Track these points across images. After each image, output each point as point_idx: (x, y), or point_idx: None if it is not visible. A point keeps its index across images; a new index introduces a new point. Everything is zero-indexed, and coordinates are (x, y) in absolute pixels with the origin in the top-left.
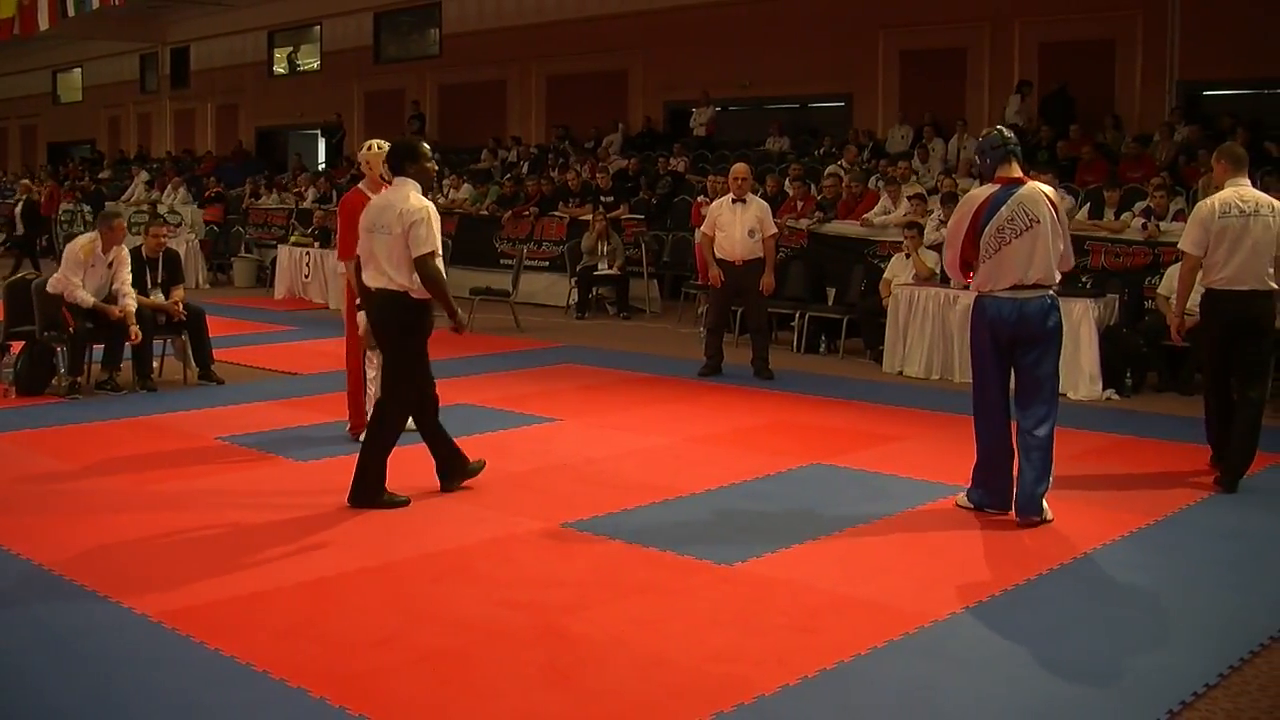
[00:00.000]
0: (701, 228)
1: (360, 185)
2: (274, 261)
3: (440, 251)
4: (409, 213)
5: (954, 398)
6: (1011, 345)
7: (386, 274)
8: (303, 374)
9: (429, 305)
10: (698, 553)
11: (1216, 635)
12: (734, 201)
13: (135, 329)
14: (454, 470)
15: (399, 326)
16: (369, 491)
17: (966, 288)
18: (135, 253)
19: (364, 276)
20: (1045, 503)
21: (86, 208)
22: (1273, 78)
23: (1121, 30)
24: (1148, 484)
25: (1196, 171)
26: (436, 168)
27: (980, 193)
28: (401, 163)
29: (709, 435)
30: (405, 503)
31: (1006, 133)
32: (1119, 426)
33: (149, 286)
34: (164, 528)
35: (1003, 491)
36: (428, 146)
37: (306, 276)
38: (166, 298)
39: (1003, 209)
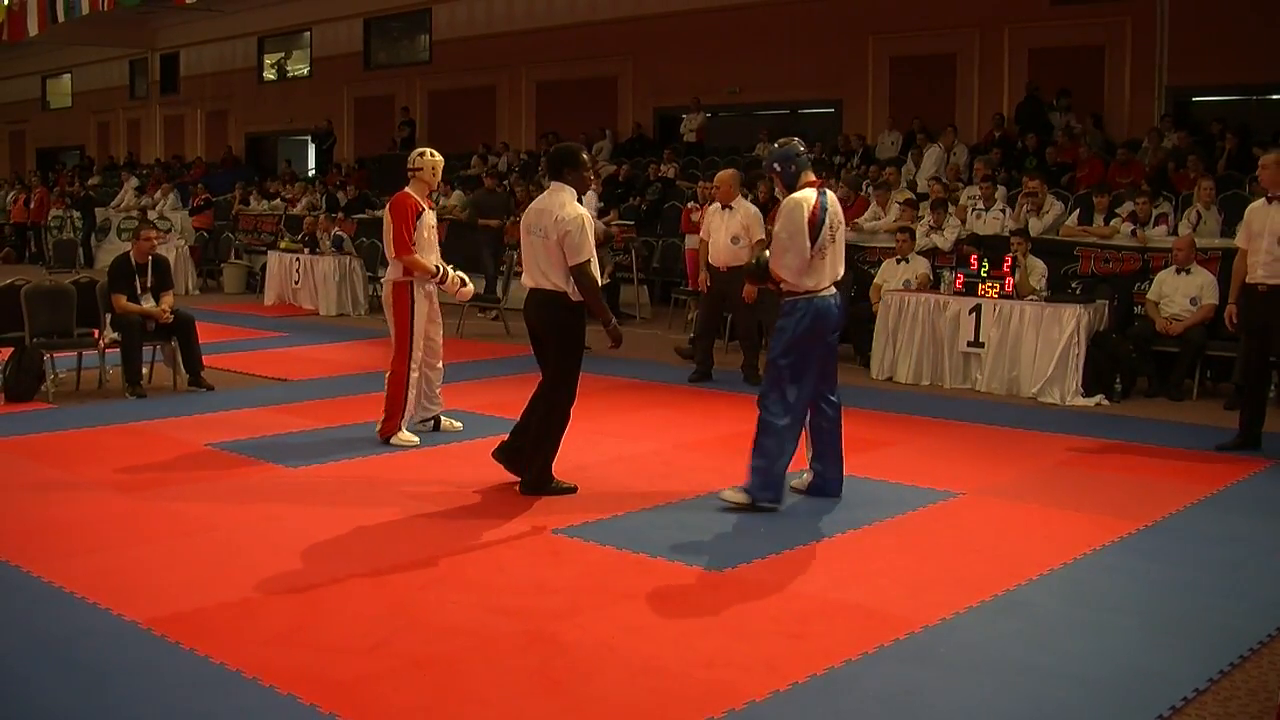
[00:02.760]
0: (700, 234)
1: (409, 189)
2: (264, 267)
3: (595, 258)
4: (564, 221)
5: (943, 403)
6: (830, 340)
7: (544, 275)
8: (292, 380)
9: (583, 309)
10: (688, 559)
11: (1205, 640)
12: (722, 208)
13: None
14: (516, 464)
15: (556, 326)
16: (539, 481)
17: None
18: (124, 258)
19: (523, 277)
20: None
21: (76, 214)
22: (1261, 84)
23: (1111, 36)
24: (1137, 490)
25: (1185, 177)
26: (594, 177)
27: (807, 197)
28: (561, 169)
29: (699, 441)
30: (572, 490)
31: (800, 143)
32: (1108, 432)
33: (138, 292)
34: (153, 534)
35: (783, 487)
36: (587, 156)
37: (296, 282)
38: (156, 303)
39: (829, 210)
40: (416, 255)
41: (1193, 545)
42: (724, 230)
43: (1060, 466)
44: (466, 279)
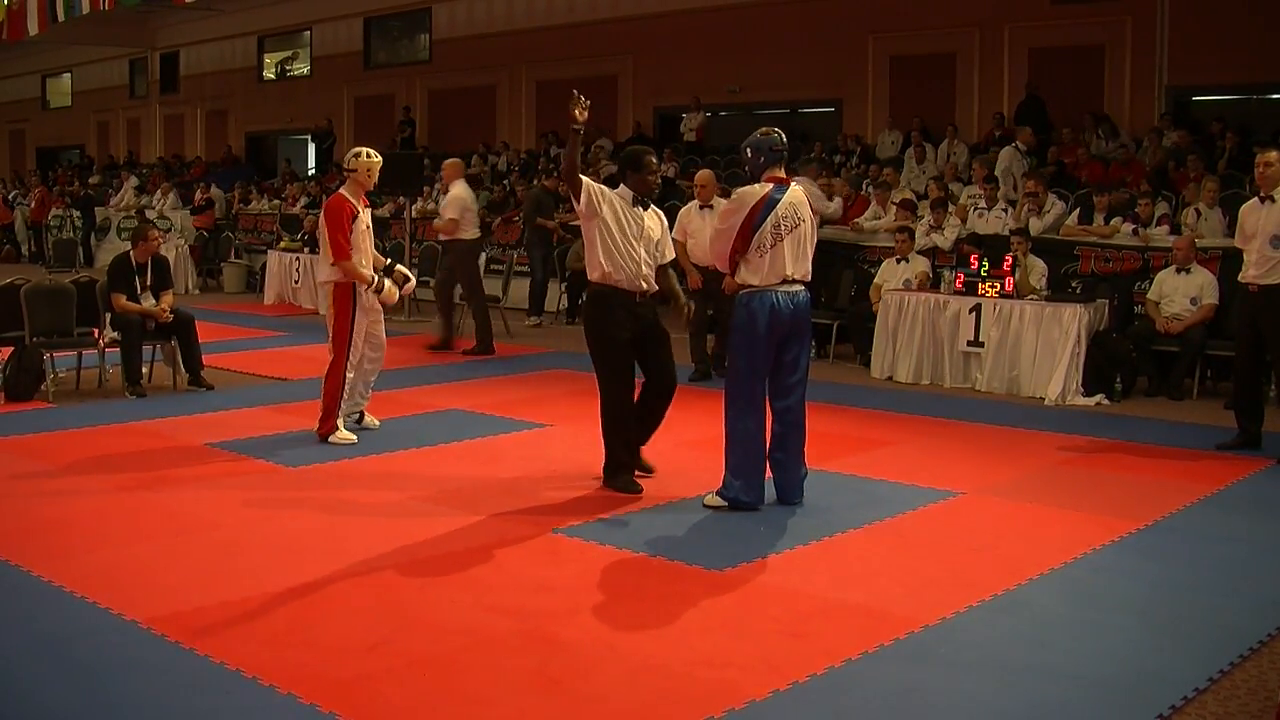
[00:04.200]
0: (673, 233)
1: (344, 190)
2: (264, 267)
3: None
4: None
5: (944, 403)
6: (784, 338)
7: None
8: (292, 379)
9: (599, 297)
10: (687, 558)
11: (1206, 639)
12: (701, 207)
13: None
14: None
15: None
16: (605, 475)
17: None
18: (124, 257)
19: None
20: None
21: (76, 213)
22: (1261, 83)
23: (1111, 35)
24: (1137, 489)
25: (1185, 176)
26: (659, 182)
27: (756, 190)
28: (624, 170)
29: (698, 440)
30: (638, 491)
31: (783, 137)
32: (1108, 431)
33: (138, 291)
34: (153, 533)
35: (760, 487)
36: (653, 158)
37: (296, 282)
38: (156, 303)
39: (777, 207)
40: (353, 262)
41: (1193, 545)
42: (706, 229)
43: (1060, 466)
44: (409, 275)
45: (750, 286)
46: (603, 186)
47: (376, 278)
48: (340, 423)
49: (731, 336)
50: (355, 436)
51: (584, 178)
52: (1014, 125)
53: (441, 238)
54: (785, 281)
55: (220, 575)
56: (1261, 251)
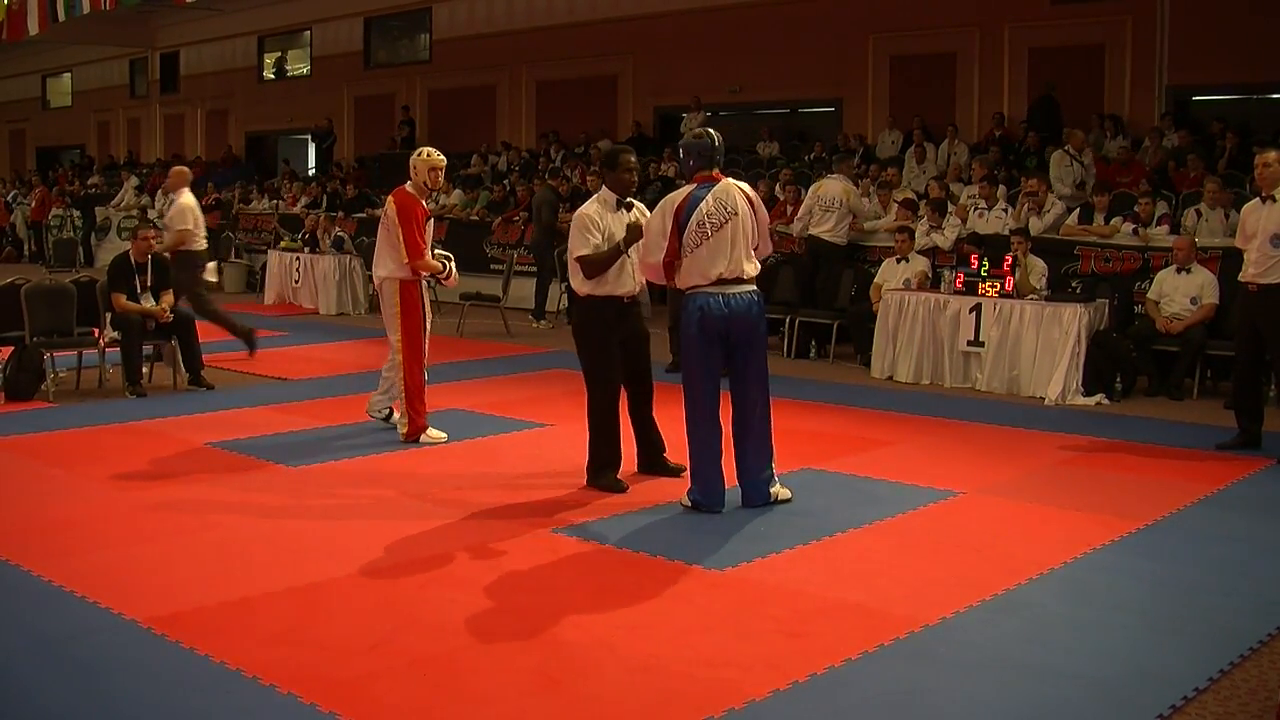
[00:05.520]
0: None
1: (409, 188)
2: (264, 267)
3: (586, 253)
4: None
5: (944, 402)
6: (724, 339)
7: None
8: (292, 379)
9: (589, 302)
10: (687, 557)
11: (1206, 639)
12: None
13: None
14: (651, 461)
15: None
16: (588, 473)
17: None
18: (124, 257)
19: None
20: (777, 484)
21: (76, 213)
22: (1261, 83)
23: (1111, 35)
24: (1137, 489)
25: (1185, 177)
26: (635, 180)
27: (678, 193)
28: (601, 168)
29: None
30: (623, 489)
31: (719, 140)
32: (1108, 431)
33: (138, 291)
34: (153, 533)
35: (716, 489)
36: (630, 156)
37: (296, 282)
38: (156, 302)
39: (702, 204)
40: (428, 256)
41: (1193, 544)
42: None
43: (1060, 465)
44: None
45: (688, 288)
46: (593, 215)
47: (445, 265)
48: (428, 424)
49: (681, 339)
50: (445, 434)
51: (589, 227)
52: (1023, 124)
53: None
54: (719, 282)
55: (220, 575)
56: (1261, 250)
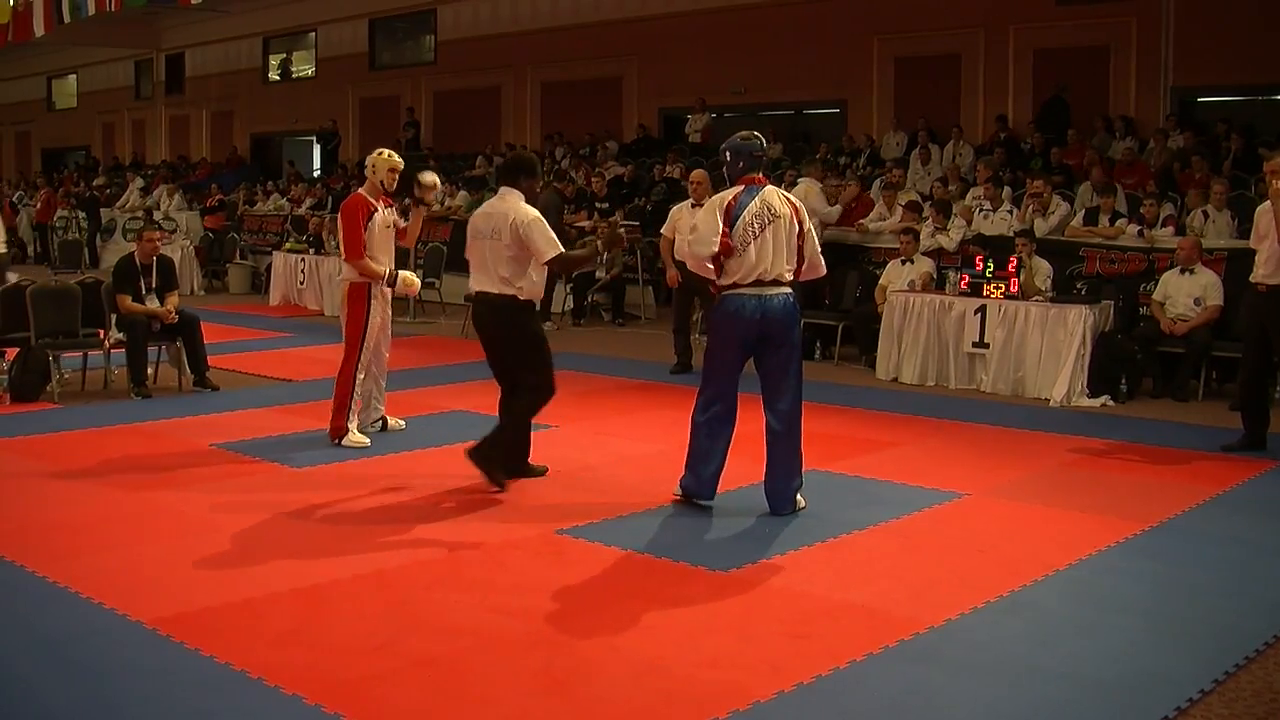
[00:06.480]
0: (662, 229)
1: (363, 189)
2: (269, 268)
3: (560, 248)
4: (522, 223)
5: (949, 404)
6: (757, 341)
7: (495, 278)
8: (297, 380)
9: (534, 306)
10: (692, 559)
11: (1210, 641)
12: (693, 206)
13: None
14: (509, 459)
15: (513, 327)
16: (509, 461)
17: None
18: (129, 258)
19: (470, 281)
20: (799, 496)
21: (81, 214)
22: (1266, 84)
23: (1116, 36)
24: (1142, 490)
25: (1190, 178)
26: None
27: (726, 193)
28: (517, 175)
29: None
30: (542, 472)
31: (763, 142)
32: (1113, 432)
33: (143, 292)
34: (157, 534)
35: (706, 481)
36: (539, 167)
37: (301, 283)
38: (161, 303)
39: (749, 207)
40: (367, 259)
41: (1198, 546)
42: None
43: (1065, 467)
44: (413, 277)
45: (724, 287)
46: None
47: (389, 270)
48: (352, 425)
49: (708, 335)
50: (368, 439)
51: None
52: (1030, 125)
53: None
54: (758, 283)
55: (225, 576)
56: (1273, 250)
